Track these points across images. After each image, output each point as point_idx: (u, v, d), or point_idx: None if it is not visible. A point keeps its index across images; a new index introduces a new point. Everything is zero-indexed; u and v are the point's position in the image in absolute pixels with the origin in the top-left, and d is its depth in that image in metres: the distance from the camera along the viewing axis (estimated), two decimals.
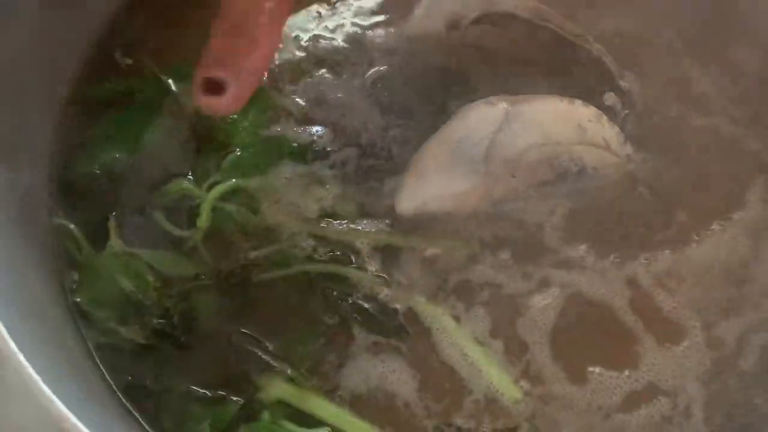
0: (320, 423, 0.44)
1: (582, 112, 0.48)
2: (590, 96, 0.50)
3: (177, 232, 0.50)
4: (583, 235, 0.49)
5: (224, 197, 0.51)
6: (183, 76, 0.54)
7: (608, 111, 0.51)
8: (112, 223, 0.49)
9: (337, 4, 0.57)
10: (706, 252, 0.50)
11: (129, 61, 0.55)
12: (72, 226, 0.49)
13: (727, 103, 0.54)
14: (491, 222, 0.50)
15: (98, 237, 0.49)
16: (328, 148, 0.53)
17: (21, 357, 0.33)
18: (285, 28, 0.54)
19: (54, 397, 0.32)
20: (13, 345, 0.33)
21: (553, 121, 0.47)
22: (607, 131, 0.48)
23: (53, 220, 0.49)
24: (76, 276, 0.48)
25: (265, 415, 0.44)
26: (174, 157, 0.52)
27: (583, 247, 0.49)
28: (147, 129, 0.53)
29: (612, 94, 0.51)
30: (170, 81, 0.54)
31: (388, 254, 0.49)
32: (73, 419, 0.32)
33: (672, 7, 0.56)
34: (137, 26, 0.56)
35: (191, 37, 0.56)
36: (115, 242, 0.49)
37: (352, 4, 0.57)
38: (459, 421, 0.45)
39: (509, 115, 0.46)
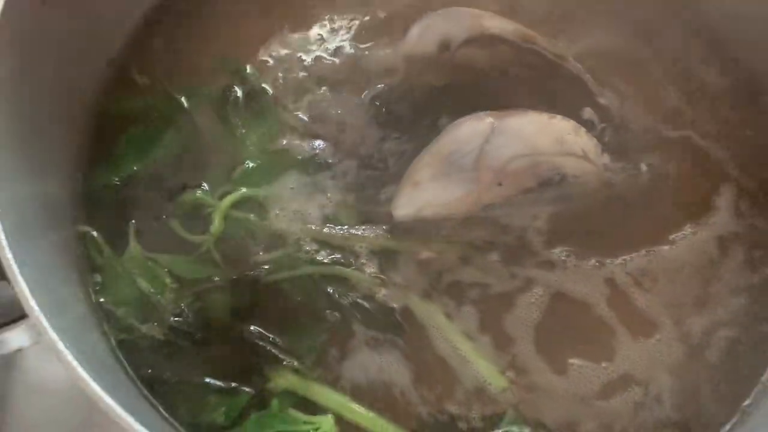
0: (324, 410, 0.48)
1: (562, 125, 0.52)
2: (570, 111, 0.54)
3: (192, 237, 0.53)
4: (565, 238, 0.53)
5: (235, 206, 0.54)
6: (194, 94, 0.59)
7: (587, 124, 0.55)
8: (131, 230, 0.53)
9: (337, 28, 0.61)
10: (677, 253, 0.54)
11: (145, 81, 0.59)
12: (95, 232, 0.53)
13: (697, 118, 0.58)
14: (480, 226, 0.53)
15: (119, 242, 0.53)
16: (330, 160, 0.56)
17: (60, 345, 0.37)
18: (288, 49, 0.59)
19: (89, 380, 0.37)
20: (53, 335, 0.37)
21: (535, 134, 0.51)
22: (585, 143, 0.53)
23: (78, 228, 0.53)
24: (99, 278, 0.52)
25: (274, 404, 0.48)
26: (188, 169, 0.56)
27: (564, 250, 0.53)
28: (162, 143, 0.57)
29: (590, 109, 0.55)
30: (183, 98, 0.58)
31: (386, 257, 0.53)
32: (107, 399, 0.36)
33: (647, 30, 0.60)
34: (152, 49, 0.61)
35: (201, 58, 0.61)
36: (134, 247, 0.53)
37: (351, 28, 0.61)
38: (451, 408, 0.49)
39: (495, 129, 0.50)
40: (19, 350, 0.69)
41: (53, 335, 0.37)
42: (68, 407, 0.65)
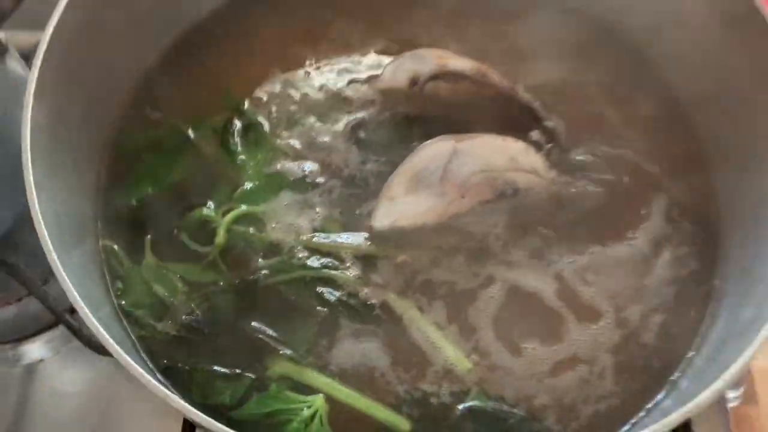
0: (316, 391, 0.55)
1: (513, 146, 0.61)
2: (521, 133, 0.63)
3: (199, 248, 0.61)
4: (520, 242, 0.61)
5: (236, 221, 0.62)
6: (199, 126, 0.67)
7: (535, 144, 0.63)
8: (147, 243, 0.61)
9: (322, 67, 0.71)
10: (617, 252, 0.61)
11: (157, 116, 0.67)
12: (116, 246, 0.61)
13: (632, 137, 0.65)
14: (448, 233, 0.61)
15: (137, 254, 0.60)
16: (318, 181, 0.64)
17: (102, 330, 0.45)
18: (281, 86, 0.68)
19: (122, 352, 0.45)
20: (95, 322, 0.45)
21: (490, 153, 0.60)
22: (534, 160, 0.61)
23: (101, 242, 0.61)
24: (120, 285, 0.59)
25: (273, 387, 0.55)
26: (195, 190, 0.64)
27: (520, 251, 0.61)
28: (172, 169, 0.65)
29: (537, 131, 0.64)
30: (189, 130, 0.66)
31: (367, 261, 0.60)
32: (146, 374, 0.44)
33: (588, 60, 0.69)
34: (162, 89, 0.68)
35: (205, 96, 0.70)
36: (150, 258, 0.60)
37: (333, 68, 0.70)
38: (424, 386, 0.55)
39: (456, 150, 0.59)
40: (41, 361, 0.77)
41: (95, 322, 0.45)
42: (86, 409, 0.73)
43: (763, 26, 0.56)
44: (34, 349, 0.79)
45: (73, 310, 0.69)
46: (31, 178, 0.48)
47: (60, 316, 0.68)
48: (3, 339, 0.76)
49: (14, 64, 0.66)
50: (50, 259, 0.46)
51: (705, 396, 0.44)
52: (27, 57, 0.79)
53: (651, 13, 0.67)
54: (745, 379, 0.70)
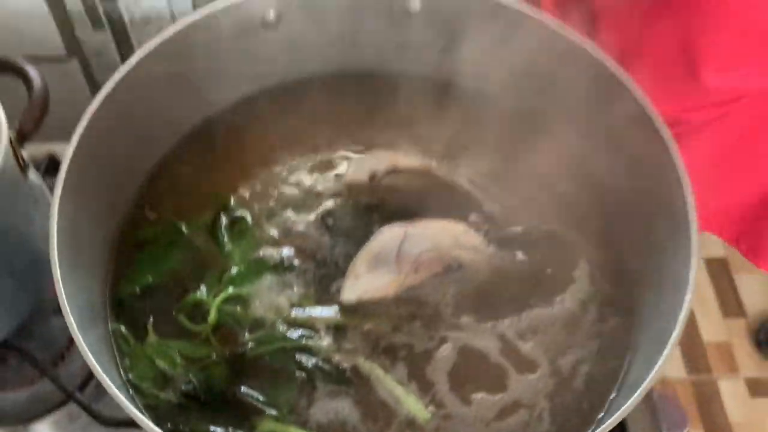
0: None
1: (455, 228, 0.73)
2: (462, 216, 0.75)
3: (194, 327, 0.70)
4: (467, 308, 0.71)
5: (226, 302, 0.71)
6: (191, 222, 0.77)
7: (475, 225, 0.75)
8: (150, 324, 0.70)
9: (295, 167, 0.83)
10: (549, 313, 0.72)
11: (154, 215, 0.78)
12: (123, 328, 0.70)
13: (560, 216, 0.76)
14: (405, 303, 0.71)
15: (141, 334, 0.70)
16: (295, 264, 0.73)
17: (120, 394, 0.55)
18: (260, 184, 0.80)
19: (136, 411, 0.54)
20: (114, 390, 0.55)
21: (436, 234, 0.72)
22: (473, 239, 0.73)
23: (111, 325, 0.70)
24: (127, 361, 0.68)
25: None
26: (189, 277, 0.73)
27: (467, 316, 0.71)
28: (169, 260, 0.74)
29: (475, 214, 0.76)
30: (183, 226, 0.76)
31: (338, 331, 0.69)
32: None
33: (518, 154, 0.82)
34: (158, 192, 0.78)
35: (196, 196, 0.81)
36: (152, 336, 0.69)
37: (306, 165, 0.80)
38: None
39: (407, 234, 0.71)
40: None
41: (115, 390, 0.55)
42: None
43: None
44: (44, 429, 0.87)
45: (81, 389, 0.79)
46: (58, 274, 0.59)
47: (71, 395, 0.77)
48: (17, 421, 0.84)
49: (33, 175, 0.78)
50: (77, 341, 0.56)
51: (610, 421, 0.55)
52: (38, 166, 0.92)
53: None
54: None
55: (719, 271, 1.95)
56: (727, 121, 0.89)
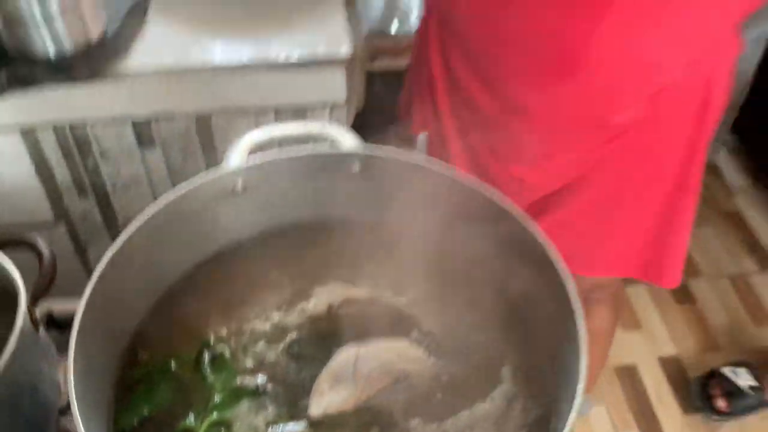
0: None
1: (400, 345, 0.89)
2: (404, 334, 0.92)
3: None
4: (415, 412, 0.84)
5: (210, 426, 0.83)
6: (178, 359, 0.90)
7: (417, 341, 0.92)
8: None
9: (267, 308, 0.96)
10: (483, 410, 0.86)
11: (146, 356, 0.91)
12: None
13: (490, 329, 0.92)
14: (364, 413, 0.84)
15: None
16: (268, 388, 0.86)
17: None
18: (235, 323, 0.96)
19: None
20: None
21: (384, 352, 0.88)
22: (415, 353, 0.89)
23: None
24: None
25: None
26: (178, 406, 0.86)
27: (416, 419, 0.85)
28: (160, 394, 0.87)
29: (416, 331, 0.93)
30: (171, 362, 0.90)
31: None
32: None
33: (446, 282, 1.00)
34: (149, 336, 0.91)
35: (181, 336, 0.96)
36: None
37: (273, 304, 0.95)
38: None
39: (360, 354, 0.87)
40: None
41: None
42: None
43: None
44: None
45: None
46: (78, 417, 0.72)
47: None
48: None
49: (42, 331, 0.93)
50: None
51: None
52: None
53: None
54: None
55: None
56: (610, 162, 1.14)
